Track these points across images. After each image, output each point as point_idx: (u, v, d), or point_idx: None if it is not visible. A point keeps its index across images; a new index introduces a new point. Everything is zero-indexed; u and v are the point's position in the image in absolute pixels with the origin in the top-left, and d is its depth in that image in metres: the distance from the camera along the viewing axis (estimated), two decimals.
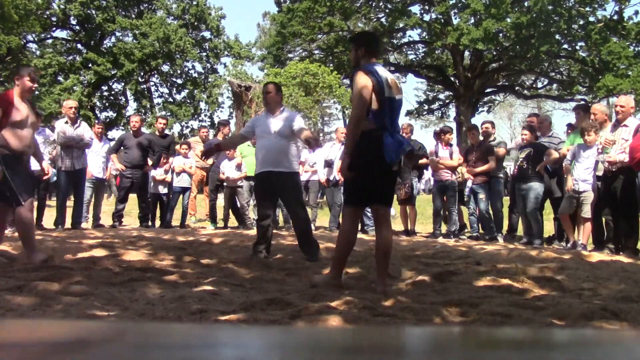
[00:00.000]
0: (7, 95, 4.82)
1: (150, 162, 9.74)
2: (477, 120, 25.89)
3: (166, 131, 10.94)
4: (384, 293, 3.70)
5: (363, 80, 3.81)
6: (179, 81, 31.67)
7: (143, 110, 28.94)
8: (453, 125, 27.70)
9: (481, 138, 9.22)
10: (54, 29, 30.05)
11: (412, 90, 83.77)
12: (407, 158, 4.03)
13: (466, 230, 9.59)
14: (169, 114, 29.48)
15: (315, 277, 4.25)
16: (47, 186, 8.94)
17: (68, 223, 8.83)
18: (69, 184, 8.96)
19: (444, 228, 9.56)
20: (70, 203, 9.39)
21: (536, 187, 8.11)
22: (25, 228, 4.82)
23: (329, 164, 10.09)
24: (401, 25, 26.88)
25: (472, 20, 24.39)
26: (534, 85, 32.10)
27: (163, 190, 10.05)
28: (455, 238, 9.03)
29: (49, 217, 8.96)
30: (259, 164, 5.59)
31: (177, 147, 10.79)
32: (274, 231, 6.43)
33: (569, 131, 8.66)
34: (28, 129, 4.89)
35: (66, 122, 8.88)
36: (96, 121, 11.39)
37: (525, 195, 8.14)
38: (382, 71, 3.94)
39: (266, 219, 5.65)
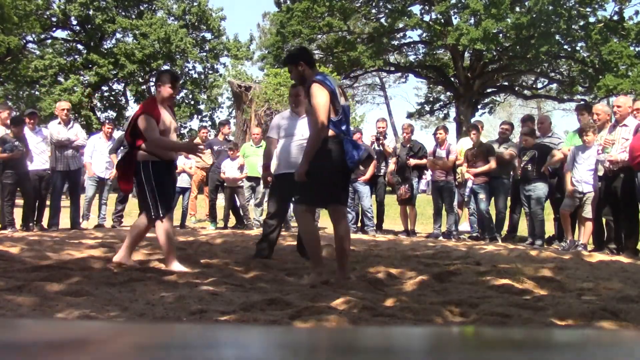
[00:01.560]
0: (153, 104, 4.71)
1: None
2: (478, 120, 25.84)
3: None
4: (341, 284, 3.99)
5: (321, 91, 3.98)
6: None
7: None
8: (453, 125, 27.71)
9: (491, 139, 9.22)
10: (54, 29, 30.04)
11: (412, 90, 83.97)
12: (362, 162, 4.21)
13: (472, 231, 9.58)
14: None
15: (304, 278, 4.23)
16: (47, 186, 8.94)
17: (63, 224, 8.83)
18: (61, 184, 8.98)
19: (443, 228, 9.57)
20: (68, 203, 9.40)
21: (541, 188, 8.14)
22: (168, 239, 4.69)
23: None
24: (401, 25, 26.85)
25: (472, 21, 24.38)
26: (533, 86, 32.08)
27: None
28: (454, 238, 9.04)
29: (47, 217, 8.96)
30: (281, 164, 5.54)
31: None
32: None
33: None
34: (172, 136, 4.83)
35: (59, 123, 8.91)
36: (107, 120, 11.42)
37: (530, 196, 8.16)
38: (332, 80, 4.16)
39: (274, 219, 5.64)
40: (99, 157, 9.65)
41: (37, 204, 8.85)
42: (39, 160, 8.67)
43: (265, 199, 10.19)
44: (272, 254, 5.60)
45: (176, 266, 4.60)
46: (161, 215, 4.61)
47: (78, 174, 8.99)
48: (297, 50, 4.81)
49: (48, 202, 9.03)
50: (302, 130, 5.44)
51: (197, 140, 11.52)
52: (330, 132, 4.03)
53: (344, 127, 4.09)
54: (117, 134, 13.54)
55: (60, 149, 8.80)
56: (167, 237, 4.64)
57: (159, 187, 4.57)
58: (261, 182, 8.75)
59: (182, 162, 10.17)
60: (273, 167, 5.76)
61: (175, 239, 5.03)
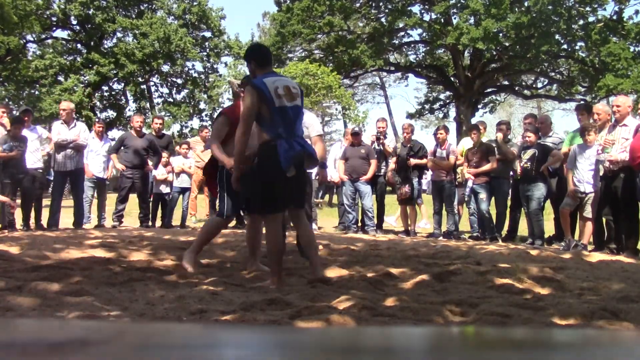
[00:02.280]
0: (237, 108, 4.78)
1: (150, 163, 9.74)
2: (476, 120, 25.83)
3: (163, 131, 10.95)
4: (320, 279, 4.02)
5: (248, 97, 4.01)
6: (179, 81, 31.66)
7: (143, 111, 28.90)
8: (453, 125, 27.69)
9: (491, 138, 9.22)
10: (54, 29, 30.02)
11: (412, 90, 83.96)
12: (307, 161, 4.15)
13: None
14: (168, 114, 29.45)
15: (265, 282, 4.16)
16: (41, 185, 8.96)
17: (66, 224, 8.84)
18: (62, 185, 8.98)
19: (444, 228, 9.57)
20: (70, 203, 9.41)
21: (540, 188, 8.13)
22: (206, 236, 4.87)
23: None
24: (401, 25, 26.85)
25: (472, 20, 24.38)
26: (533, 85, 32.07)
27: (165, 189, 10.06)
28: (455, 238, 9.04)
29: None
30: None
31: (177, 147, 10.80)
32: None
33: None
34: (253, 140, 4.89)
35: (62, 124, 8.92)
36: (96, 120, 11.35)
37: (530, 196, 8.16)
38: (272, 81, 4.07)
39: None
40: (94, 157, 9.65)
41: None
42: (32, 158, 8.64)
43: None
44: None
45: (188, 259, 4.64)
46: (224, 216, 4.75)
47: (77, 174, 8.97)
48: (251, 48, 4.77)
49: (47, 202, 9.05)
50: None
51: (198, 142, 11.53)
52: (265, 137, 4.03)
53: (280, 130, 3.99)
54: (118, 133, 13.53)
55: (59, 148, 8.81)
56: (209, 232, 4.82)
57: (230, 190, 4.61)
58: None
59: (181, 162, 10.17)
60: None
61: (210, 239, 5.18)
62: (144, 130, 10.35)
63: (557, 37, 24.04)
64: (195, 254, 4.79)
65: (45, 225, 8.74)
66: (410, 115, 33.27)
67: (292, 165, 3.97)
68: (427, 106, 33.32)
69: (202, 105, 31.50)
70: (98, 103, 31.02)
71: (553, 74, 28.96)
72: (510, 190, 9.03)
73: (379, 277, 4.41)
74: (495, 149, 8.83)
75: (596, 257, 6.20)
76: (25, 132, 8.61)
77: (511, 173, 8.91)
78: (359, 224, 9.99)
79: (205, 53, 31.08)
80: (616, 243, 7.11)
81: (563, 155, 7.84)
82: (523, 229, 8.96)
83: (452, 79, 29.57)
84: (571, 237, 7.50)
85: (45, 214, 9.03)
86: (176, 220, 10.30)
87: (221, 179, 4.70)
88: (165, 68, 30.78)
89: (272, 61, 4.41)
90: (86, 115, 27.80)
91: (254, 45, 5.64)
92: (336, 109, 29.48)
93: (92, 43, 29.43)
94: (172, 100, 31.05)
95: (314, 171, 10.38)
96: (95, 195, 10.01)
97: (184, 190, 10.21)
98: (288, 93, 4.09)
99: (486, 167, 8.67)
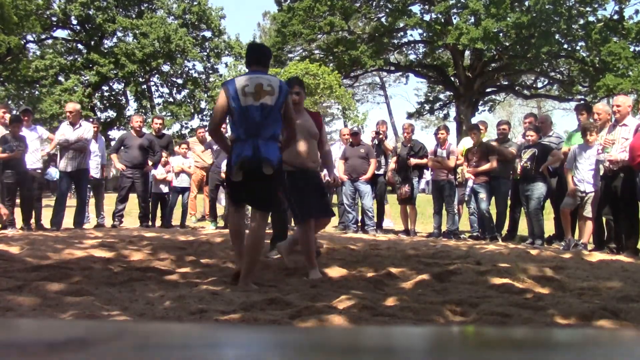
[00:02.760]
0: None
1: (150, 163, 9.75)
2: (476, 120, 25.83)
3: (163, 131, 10.95)
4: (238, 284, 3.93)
5: (219, 96, 4.10)
6: (179, 81, 31.69)
7: (143, 111, 28.92)
8: (453, 125, 27.70)
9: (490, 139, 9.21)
10: (55, 29, 30.04)
11: (412, 90, 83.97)
12: (264, 165, 3.98)
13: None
14: (169, 114, 29.46)
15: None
16: (40, 185, 8.97)
17: (66, 223, 8.83)
18: (65, 185, 8.98)
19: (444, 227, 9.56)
20: (72, 203, 9.41)
21: (540, 188, 8.12)
22: (310, 245, 4.63)
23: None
24: (401, 24, 26.87)
25: (472, 20, 24.39)
26: (534, 85, 32.10)
27: (165, 189, 10.06)
28: (455, 238, 9.03)
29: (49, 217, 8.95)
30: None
31: (177, 147, 10.80)
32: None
33: None
34: (303, 141, 4.84)
35: (67, 124, 8.92)
36: (91, 120, 11.28)
37: (530, 196, 8.16)
38: (244, 79, 4.03)
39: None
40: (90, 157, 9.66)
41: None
42: (32, 159, 8.63)
43: None
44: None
45: (314, 274, 4.43)
46: (303, 220, 4.66)
47: (81, 174, 8.96)
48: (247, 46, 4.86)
49: (47, 202, 9.06)
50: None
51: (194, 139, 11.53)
52: (231, 137, 4.11)
53: (239, 131, 3.97)
54: (118, 133, 13.52)
55: (62, 150, 8.82)
56: (309, 241, 4.59)
57: (295, 196, 4.60)
58: None
59: (180, 161, 10.17)
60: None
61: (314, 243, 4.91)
62: (144, 130, 10.35)
63: (557, 36, 24.07)
64: (314, 263, 4.55)
65: (47, 225, 8.73)
66: (410, 115, 33.30)
67: (240, 171, 3.93)
68: (427, 106, 33.34)
69: (202, 105, 31.52)
70: (98, 103, 31.03)
71: (553, 73, 28.98)
72: (510, 190, 9.02)
73: (379, 276, 4.42)
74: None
75: (596, 256, 6.20)
76: (25, 132, 8.60)
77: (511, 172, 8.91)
78: (359, 224, 9.99)
79: (205, 53, 31.09)
80: (616, 243, 7.11)
81: (563, 155, 7.84)
82: (523, 228, 8.96)
83: (452, 78, 29.59)
84: (571, 237, 7.49)
85: (45, 213, 9.03)
86: (176, 220, 10.30)
87: (285, 187, 4.51)
88: (166, 68, 30.80)
89: (261, 60, 4.26)
90: (86, 115, 27.81)
91: (247, 45, 5.65)
92: (337, 109, 29.48)
93: (92, 43, 29.45)
94: (172, 100, 31.07)
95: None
96: (92, 195, 10.02)
97: (183, 190, 10.21)
98: (258, 91, 3.95)
99: (485, 166, 8.66)
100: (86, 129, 8.97)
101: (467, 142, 9.59)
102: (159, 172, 9.88)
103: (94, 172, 9.66)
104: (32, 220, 8.64)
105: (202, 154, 10.84)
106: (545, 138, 8.51)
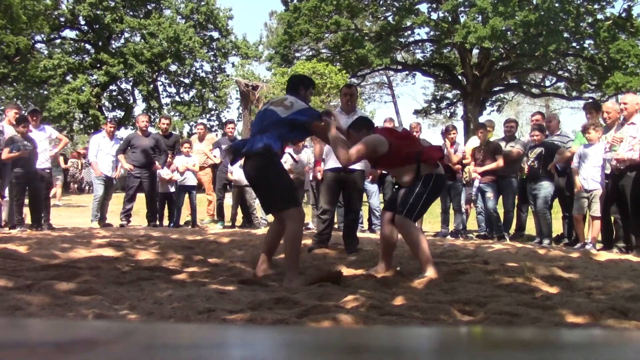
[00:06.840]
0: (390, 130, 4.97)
1: (157, 162, 9.77)
2: (484, 118, 25.70)
3: (171, 130, 10.97)
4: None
5: None
6: (187, 81, 31.72)
7: (152, 111, 28.97)
8: (461, 123, 27.61)
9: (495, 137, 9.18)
10: (63, 29, 30.13)
11: (419, 89, 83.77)
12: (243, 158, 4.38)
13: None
14: (177, 114, 29.51)
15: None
16: (49, 185, 9.03)
17: (74, 223, 8.87)
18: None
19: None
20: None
21: (547, 187, 8.10)
22: (420, 245, 4.50)
23: None
24: (409, 23, 26.79)
25: (480, 18, 24.29)
26: (542, 84, 31.94)
27: (171, 189, 10.08)
28: (462, 237, 9.01)
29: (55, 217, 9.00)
30: (332, 160, 5.77)
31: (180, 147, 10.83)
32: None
33: None
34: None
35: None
36: (108, 120, 11.38)
37: (536, 195, 8.13)
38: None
39: (326, 214, 6.07)
40: (103, 156, 9.74)
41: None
42: (40, 158, 8.65)
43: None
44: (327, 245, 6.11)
45: (429, 272, 4.36)
46: (414, 219, 4.58)
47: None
48: None
49: (54, 202, 9.10)
50: None
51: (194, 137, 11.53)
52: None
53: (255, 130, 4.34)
54: (126, 133, 13.57)
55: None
56: (416, 241, 4.50)
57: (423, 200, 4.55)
58: None
59: (184, 161, 10.17)
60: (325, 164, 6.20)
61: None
62: (152, 129, 10.38)
63: (565, 35, 23.91)
64: (430, 262, 4.45)
65: (55, 225, 8.76)
66: (417, 112, 33.22)
67: (234, 157, 4.45)
68: (434, 104, 33.25)
69: (210, 105, 31.54)
70: (107, 103, 31.13)
71: (561, 72, 28.82)
72: (517, 189, 8.98)
73: (386, 276, 4.41)
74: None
75: (605, 256, 6.17)
76: (34, 132, 8.65)
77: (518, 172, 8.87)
78: (366, 223, 9.98)
79: (212, 53, 31.13)
80: (625, 242, 7.08)
81: (570, 154, 7.80)
82: (531, 227, 8.92)
83: (459, 77, 29.48)
84: (584, 240, 7.47)
85: (53, 213, 9.07)
86: (184, 218, 10.33)
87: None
88: (173, 68, 30.85)
89: (288, 86, 4.58)
90: (93, 115, 27.91)
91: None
92: None
93: (100, 43, 29.53)
94: (180, 100, 31.12)
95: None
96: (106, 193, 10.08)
97: (189, 189, 10.21)
98: (277, 101, 4.40)
99: (492, 165, 8.63)
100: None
101: (475, 141, 9.56)
102: (164, 173, 9.90)
103: (107, 170, 9.73)
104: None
105: (212, 153, 10.76)
106: (553, 137, 8.48)
